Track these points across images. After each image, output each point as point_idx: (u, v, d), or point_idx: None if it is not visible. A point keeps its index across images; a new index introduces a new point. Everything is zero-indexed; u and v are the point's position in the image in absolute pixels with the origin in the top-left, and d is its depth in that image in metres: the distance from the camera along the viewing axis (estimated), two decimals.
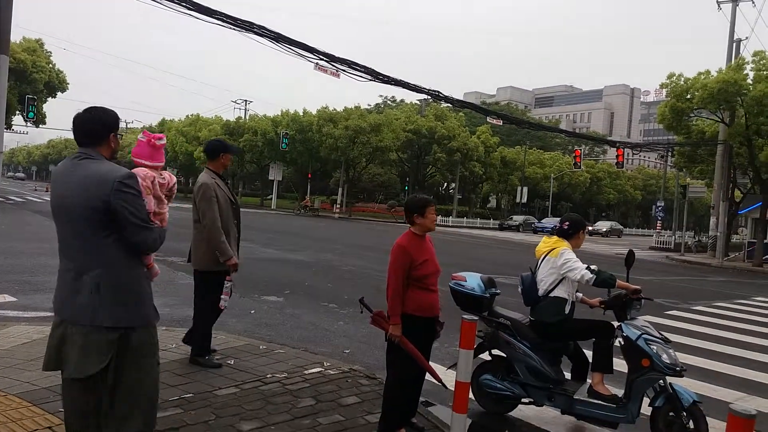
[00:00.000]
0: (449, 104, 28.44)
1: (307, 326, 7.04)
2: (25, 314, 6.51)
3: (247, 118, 60.47)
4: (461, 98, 29.02)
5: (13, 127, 38.30)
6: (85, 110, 2.80)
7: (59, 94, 35.08)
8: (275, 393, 4.25)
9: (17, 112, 32.09)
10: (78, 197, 2.57)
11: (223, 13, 13.68)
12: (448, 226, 45.41)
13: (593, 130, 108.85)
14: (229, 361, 4.89)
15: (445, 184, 63.70)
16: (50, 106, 36.37)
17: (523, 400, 4.51)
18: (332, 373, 4.83)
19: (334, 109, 49.08)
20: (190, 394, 4.06)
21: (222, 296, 4.73)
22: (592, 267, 4.39)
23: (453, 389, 3.59)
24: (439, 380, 3.90)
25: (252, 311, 7.70)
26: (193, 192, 4.82)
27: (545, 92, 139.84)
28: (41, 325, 5.78)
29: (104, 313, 2.56)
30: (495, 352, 4.66)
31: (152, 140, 3.38)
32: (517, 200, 53.49)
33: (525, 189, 52.26)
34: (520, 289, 4.71)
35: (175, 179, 3.49)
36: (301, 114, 50.38)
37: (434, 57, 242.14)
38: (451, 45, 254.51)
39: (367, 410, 4.12)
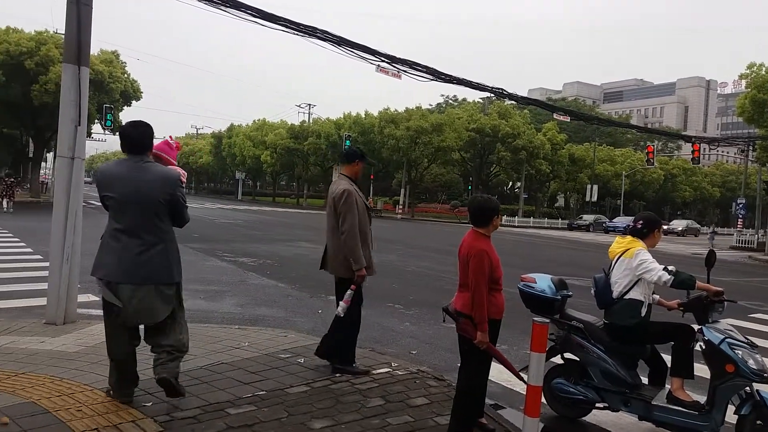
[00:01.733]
0: (513, 101, 27.92)
1: (374, 326, 7.07)
2: None
3: (311, 121, 61.61)
4: (525, 95, 28.45)
5: (93, 135, 40.51)
6: (133, 125, 3.71)
7: (134, 102, 36.83)
8: (345, 392, 4.30)
9: (96, 120, 33.89)
10: (151, 191, 3.58)
11: (287, 19, 13.96)
12: (514, 227, 44.66)
13: (666, 125, 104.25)
14: (299, 360, 4.98)
15: (510, 184, 62.66)
16: (126, 114, 38.21)
17: (598, 405, 4.37)
18: (400, 373, 4.83)
19: (396, 110, 49.26)
20: (263, 392, 4.16)
21: (341, 303, 4.65)
22: (670, 268, 4.20)
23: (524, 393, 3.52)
24: (524, 380, 3.83)
25: (320, 311, 7.83)
26: (331, 198, 4.75)
27: (614, 87, 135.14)
28: None
29: (174, 272, 3.71)
30: (567, 355, 4.54)
31: (170, 140, 4.19)
32: (587, 199, 51.86)
33: (595, 187, 50.60)
34: (593, 291, 4.57)
35: (185, 174, 4.22)
36: (363, 116, 50.83)
37: (497, 55, 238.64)
38: (514, 42, 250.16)
39: (436, 412, 4.09)
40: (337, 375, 4.64)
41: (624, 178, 53.54)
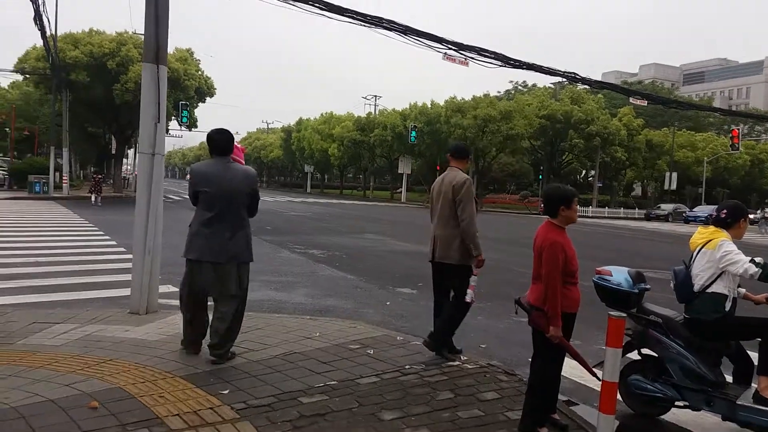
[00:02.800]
0: (587, 86, 27.00)
1: None
2: None
3: (377, 113, 61.86)
4: (599, 79, 27.42)
5: (170, 131, 42.27)
6: (218, 132, 4.56)
7: (207, 98, 38.12)
8: (414, 384, 4.31)
9: (173, 117, 35.37)
10: (239, 186, 4.51)
11: (354, 11, 14.05)
12: (588, 217, 43.29)
13: (753, 106, 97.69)
14: (368, 351, 5.03)
15: (584, 172, 60.71)
16: (200, 111, 39.69)
17: (678, 403, 4.17)
18: (470, 367, 4.80)
19: (462, 99, 48.64)
20: (334, 382, 4.24)
21: (468, 290, 4.84)
22: (757, 260, 3.95)
23: (599, 389, 3.41)
24: (597, 377, 3.73)
25: (387, 302, 7.88)
26: (450, 186, 4.89)
27: (694, 68, 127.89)
28: None
29: (251, 254, 4.63)
30: (645, 351, 4.36)
31: (237, 146, 4.89)
32: (666, 187, 49.48)
33: (674, 174, 48.12)
34: (672, 285, 4.36)
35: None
36: (429, 106, 50.58)
37: (566, 37, 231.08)
38: (584, 24, 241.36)
39: (507, 406, 4.04)
40: (406, 367, 4.66)
41: (706, 164, 50.68)
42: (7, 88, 54.12)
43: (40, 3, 20.08)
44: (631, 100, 26.61)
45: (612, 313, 3.39)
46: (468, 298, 4.84)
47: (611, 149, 47.69)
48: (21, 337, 5.03)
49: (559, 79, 21.73)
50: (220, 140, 4.52)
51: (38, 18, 20.96)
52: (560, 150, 51.17)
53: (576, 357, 3.65)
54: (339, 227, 20.34)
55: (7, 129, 45.83)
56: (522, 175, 56.65)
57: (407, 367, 4.68)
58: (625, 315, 3.50)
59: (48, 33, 23.77)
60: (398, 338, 5.59)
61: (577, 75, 19.90)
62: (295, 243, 14.36)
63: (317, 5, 13.07)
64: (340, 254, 12.79)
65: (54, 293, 7.40)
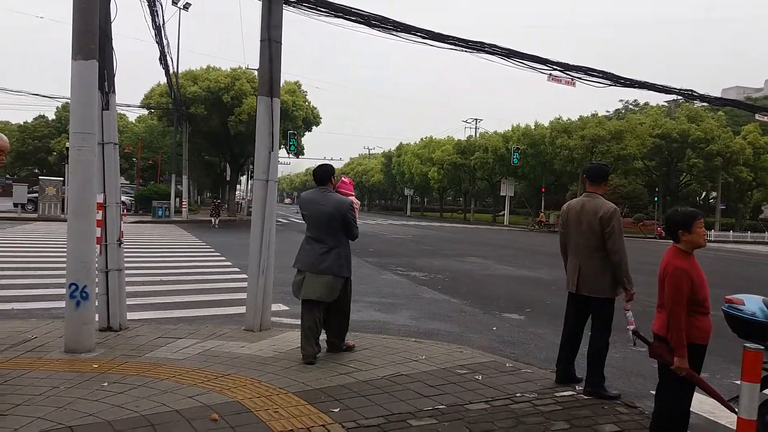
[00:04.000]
0: (705, 103, 25.32)
1: (553, 347, 6.73)
2: (296, 321, 7.33)
3: (478, 135, 61.41)
4: (719, 95, 25.63)
5: (279, 159, 44.28)
6: (319, 167, 5.48)
7: (314, 127, 39.71)
8: (526, 413, 4.14)
9: (281, 145, 37.18)
10: (332, 211, 5.24)
11: (455, 37, 14.09)
12: (710, 241, 40.16)
13: None
14: (476, 377, 4.91)
15: (704, 194, 56.60)
16: (306, 139, 41.33)
17: None
18: (586, 398, 4.54)
19: (569, 119, 47.19)
20: (443, 406, 4.17)
21: (628, 326, 4.45)
22: None
23: (735, 427, 3.10)
24: (734, 410, 3.41)
25: (494, 328, 7.68)
26: (597, 217, 4.63)
27: None
28: None
29: (345, 269, 5.33)
30: None
31: (345, 179, 5.75)
32: None
33: None
34: None
35: (359, 203, 5.71)
36: (533, 127, 49.46)
37: (680, 55, 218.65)
38: (700, 39, 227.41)
39: None
40: (518, 395, 4.50)
41: None
42: (134, 121, 59.46)
43: (165, 44, 21.94)
44: (757, 116, 24.61)
45: (748, 345, 3.09)
46: (631, 335, 4.56)
47: (735, 169, 44.13)
48: (148, 350, 5.39)
49: (674, 97, 20.50)
50: (319, 173, 5.47)
51: (163, 58, 22.89)
52: (677, 170, 48.08)
53: (708, 390, 3.38)
54: (440, 250, 20.25)
55: (134, 159, 50.28)
56: (635, 197, 53.59)
57: (518, 395, 4.51)
58: (762, 347, 3.18)
59: (171, 71, 25.88)
60: (507, 365, 5.42)
61: (695, 92, 18.67)
62: (397, 265, 14.45)
63: (419, 34, 13.27)
64: (443, 277, 12.69)
65: (176, 310, 7.90)
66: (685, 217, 3.46)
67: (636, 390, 5.22)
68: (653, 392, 4.34)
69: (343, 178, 5.79)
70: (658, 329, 3.46)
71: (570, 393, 4.62)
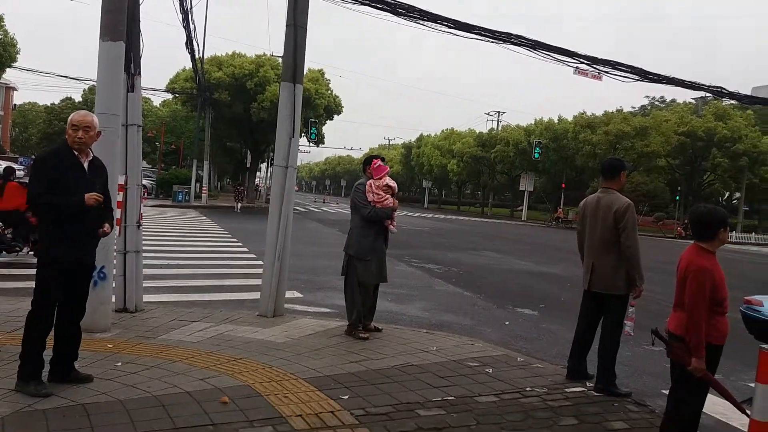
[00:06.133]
0: (734, 101, 24.84)
1: (565, 343, 6.68)
2: (309, 309, 7.45)
3: (499, 128, 60.94)
4: (749, 93, 25.10)
5: (299, 146, 44.39)
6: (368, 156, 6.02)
7: (335, 116, 39.69)
8: (535, 407, 4.13)
9: (302, 133, 37.29)
10: (353, 197, 5.84)
11: (481, 27, 13.97)
12: (731, 243, 39.52)
13: None
14: (487, 370, 4.91)
15: (727, 194, 55.61)
16: (327, 127, 41.38)
17: None
18: (596, 394, 4.52)
19: (593, 114, 46.61)
20: (452, 398, 4.17)
21: (626, 322, 4.65)
22: None
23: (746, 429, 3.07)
24: (746, 413, 3.37)
25: (507, 322, 7.66)
26: (611, 212, 4.61)
27: None
28: (323, 320, 6.55)
29: (350, 247, 5.88)
30: None
31: (376, 163, 5.96)
32: None
33: None
34: None
35: (395, 184, 6.02)
36: (556, 121, 48.93)
37: (710, 51, 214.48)
38: (731, 34, 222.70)
39: None
40: (527, 389, 4.49)
41: None
42: (158, 106, 60.03)
43: (192, 29, 22.05)
44: None
45: (765, 346, 3.05)
46: (627, 330, 4.58)
47: (761, 170, 43.35)
48: (163, 332, 5.47)
49: (702, 93, 20.11)
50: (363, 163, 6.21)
51: (189, 43, 23.00)
52: (701, 169, 47.26)
53: (722, 392, 3.33)
54: (456, 243, 20.20)
55: (157, 143, 50.81)
56: (656, 196, 52.83)
57: (528, 389, 4.50)
58: None
59: (197, 56, 26.02)
60: (518, 359, 5.41)
61: (724, 89, 18.30)
62: (412, 257, 14.44)
63: (445, 23, 13.18)
64: (458, 270, 12.67)
65: (192, 293, 7.99)
66: (723, 217, 3.39)
67: (647, 388, 5.17)
68: (664, 391, 4.32)
69: (374, 163, 5.96)
70: (673, 328, 3.42)
71: (580, 389, 4.60)
